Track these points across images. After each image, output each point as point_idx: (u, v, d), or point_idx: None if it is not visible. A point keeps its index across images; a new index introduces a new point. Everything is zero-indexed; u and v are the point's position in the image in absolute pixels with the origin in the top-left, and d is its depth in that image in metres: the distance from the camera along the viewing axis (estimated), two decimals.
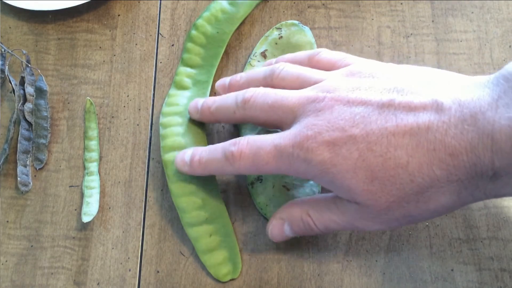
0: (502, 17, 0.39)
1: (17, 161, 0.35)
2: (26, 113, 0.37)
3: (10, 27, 0.40)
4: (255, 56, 0.37)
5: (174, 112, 0.35)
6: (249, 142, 0.28)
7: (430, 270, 0.32)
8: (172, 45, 0.39)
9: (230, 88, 0.33)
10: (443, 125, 0.24)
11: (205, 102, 0.32)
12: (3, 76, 0.38)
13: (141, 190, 0.35)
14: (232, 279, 0.32)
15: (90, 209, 0.34)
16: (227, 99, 0.31)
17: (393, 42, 0.38)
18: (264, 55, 0.37)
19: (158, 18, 0.40)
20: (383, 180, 0.25)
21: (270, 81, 0.30)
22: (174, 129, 0.34)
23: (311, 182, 0.34)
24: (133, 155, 0.36)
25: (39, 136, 0.36)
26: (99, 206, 0.34)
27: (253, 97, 0.29)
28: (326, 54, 0.31)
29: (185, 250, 0.33)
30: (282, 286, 0.32)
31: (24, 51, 0.38)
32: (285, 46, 0.37)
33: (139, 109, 0.37)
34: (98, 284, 0.33)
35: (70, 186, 0.35)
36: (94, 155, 0.36)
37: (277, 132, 0.28)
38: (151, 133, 0.37)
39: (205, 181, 0.33)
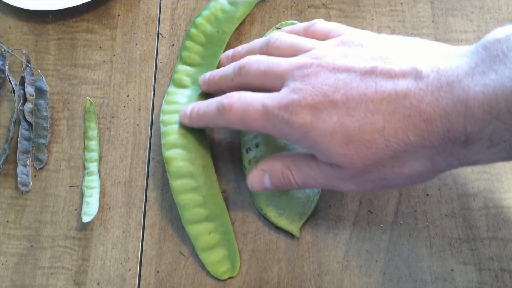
0: (502, 17, 0.39)
1: (17, 161, 0.35)
2: (26, 113, 0.37)
3: (10, 27, 0.40)
4: None
5: (174, 110, 0.35)
6: (241, 98, 0.29)
7: (430, 270, 0.32)
8: (172, 45, 0.39)
9: (233, 59, 0.35)
10: (420, 92, 0.24)
11: (211, 73, 0.34)
12: (3, 76, 0.38)
13: (141, 190, 0.35)
14: (230, 277, 0.32)
15: (90, 209, 0.34)
16: (228, 68, 0.32)
17: None
18: None
19: (158, 18, 0.40)
20: (359, 145, 0.25)
21: (266, 50, 0.32)
22: (175, 126, 0.34)
23: None
24: (133, 155, 0.36)
25: (39, 136, 0.36)
26: (99, 206, 0.34)
27: (248, 63, 0.30)
28: (320, 25, 0.32)
29: (185, 250, 0.33)
30: (282, 286, 0.32)
31: (24, 51, 0.38)
32: None
33: (139, 109, 0.37)
34: (98, 284, 0.33)
35: (70, 186, 0.35)
36: (94, 155, 0.36)
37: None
38: (151, 133, 0.37)
39: (206, 179, 0.33)
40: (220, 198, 0.33)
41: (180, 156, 0.33)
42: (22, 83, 0.37)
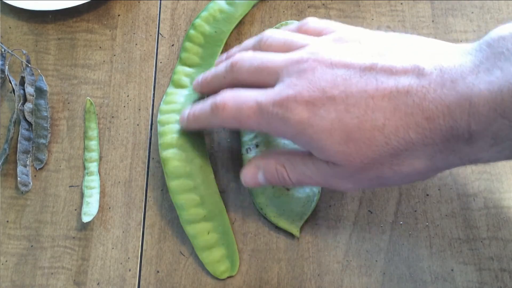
0: (502, 17, 0.39)
1: (17, 161, 0.35)
2: (26, 113, 0.37)
3: (10, 27, 0.40)
4: None
5: (172, 110, 0.35)
6: (234, 95, 0.29)
7: (430, 270, 0.32)
8: (172, 45, 0.39)
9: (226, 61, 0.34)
10: (422, 89, 0.24)
11: (203, 74, 0.34)
12: (3, 76, 0.38)
13: (141, 190, 0.35)
14: (230, 277, 0.32)
15: (90, 209, 0.34)
16: (220, 67, 0.32)
17: None
18: None
19: (158, 18, 0.40)
20: (359, 142, 0.25)
21: (258, 48, 0.31)
22: (172, 126, 0.34)
23: None
24: (133, 155, 0.36)
25: (39, 136, 0.36)
26: (99, 206, 0.34)
27: (240, 60, 0.30)
28: (313, 23, 0.31)
29: (185, 250, 0.33)
30: (282, 286, 0.32)
31: (24, 51, 0.38)
32: None
33: (139, 109, 0.37)
34: (98, 284, 0.33)
35: (70, 186, 0.35)
36: (94, 155, 0.36)
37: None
38: (151, 133, 0.37)
39: (204, 179, 0.33)
40: (218, 197, 0.33)
41: (177, 156, 0.33)
42: (22, 83, 0.37)
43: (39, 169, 0.36)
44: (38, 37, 0.40)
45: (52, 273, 0.33)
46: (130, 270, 0.33)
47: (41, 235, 0.34)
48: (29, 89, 0.37)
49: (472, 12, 0.39)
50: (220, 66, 0.32)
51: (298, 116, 0.26)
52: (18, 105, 0.36)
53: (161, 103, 0.36)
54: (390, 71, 0.25)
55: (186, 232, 0.32)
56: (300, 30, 0.31)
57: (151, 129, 0.37)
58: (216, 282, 0.32)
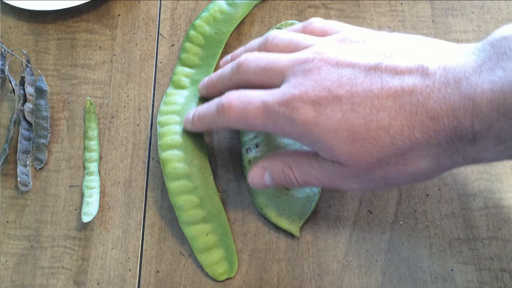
0: (502, 17, 0.39)
1: (17, 161, 0.35)
2: (26, 113, 0.37)
3: (10, 27, 0.40)
4: None
5: (171, 111, 0.35)
6: (240, 96, 0.29)
7: (430, 270, 0.32)
8: (172, 45, 0.39)
9: (231, 61, 0.34)
10: (427, 89, 0.24)
11: (209, 77, 0.34)
12: (3, 76, 0.38)
13: (141, 190, 0.35)
14: (228, 278, 0.32)
15: (90, 209, 0.34)
16: (226, 68, 0.32)
17: None
18: None
19: (158, 18, 0.40)
20: (364, 142, 0.25)
21: (264, 48, 0.31)
22: (172, 127, 0.34)
23: None
24: (133, 155, 0.36)
25: (39, 136, 0.36)
26: (99, 206, 0.34)
27: (246, 61, 0.30)
28: (318, 23, 0.32)
29: (185, 250, 0.33)
30: (282, 286, 0.32)
31: (24, 51, 0.38)
32: None
33: (139, 109, 0.37)
34: (98, 284, 0.33)
35: (70, 186, 0.35)
36: (94, 155, 0.36)
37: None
38: (151, 133, 0.37)
39: (203, 180, 0.33)
40: (217, 199, 0.33)
41: (176, 157, 0.33)
42: (22, 83, 0.37)
43: (39, 169, 0.36)
44: (38, 37, 0.40)
45: (52, 273, 0.33)
46: (130, 270, 0.33)
47: (41, 235, 0.34)
48: (29, 89, 0.37)
49: (472, 12, 0.39)
50: (225, 67, 0.32)
51: (304, 115, 0.26)
52: (18, 105, 0.36)
53: (161, 104, 0.36)
54: (395, 71, 0.25)
55: (185, 234, 0.32)
56: (305, 31, 0.32)
57: (151, 129, 0.37)
58: (216, 282, 0.32)
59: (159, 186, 0.35)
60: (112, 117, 0.37)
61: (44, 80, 0.38)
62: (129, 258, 0.33)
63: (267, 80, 0.29)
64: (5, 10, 0.41)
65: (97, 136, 0.37)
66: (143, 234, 0.34)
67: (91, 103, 0.37)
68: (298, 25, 0.33)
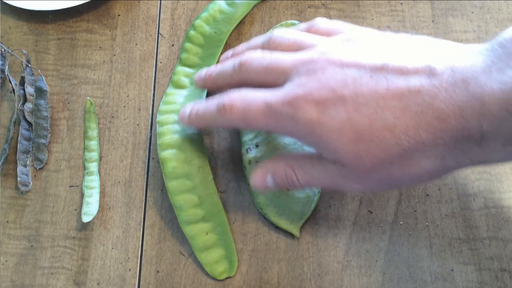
0: (502, 17, 0.39)
1: (17, 161, 0.35)
2: (26, 113, 0.37)
3: (10, 27, 0.40)
4: None
5: (171, 110, 0.35)
6: (241, 95, 0.28)
7: (430, 270, 0.32)
8: (172, 45, 0.39)
9: (232, 58, 0.33)
10: (434, 89, 0.24)
11: (207, 70, 0.33)
12: (3, 76, 0.38)
13: (141, 190, 0.35)
14: (229, 277, 0.32)
15: (90, 209, 0.34)
16: (226, 64, 0.31)
17: None
18: None
19: (158, 18, 0.40)
20: (369, 142, 0.25)
21: (267, 47, 0.31)
22: (171, 127, 0.34)
23: None
24: (133, 155, 0.36)
25: (39, 136, 0.36)
26: (99, 206, 0.34)
27: (249, 59, 0.29)
28: (322, 23, 0.31)
29: (185, 250, 0.33)
30: (282, 286, 0.32)
31: (24, 51, 0.38)
32: None
33: (139, 109, 0.37)
34: (98, 284, 0.33)
35: (70, 186, 0.35)
36: (94, 155, 0.36)
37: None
38: (151, 133, 0.37)
39: (202, 179, 0.33)
40: (216, 198, 0.33)
41: (175, 156, 0.33)
42: (22, 83, 0.37)
43: (39, 169, 0.36)
44: (38, 37, 0.40)
45: (52, 273, 0.33)
46: (130, 270, 0.33)
47: (41, 235, 0.34)
48: (29, 89, 0.37)
49: (472, 12, 0.39)
50: (226, 63, 0.31)
51: (308, 115, 0.26)
52: (18, 105, 0.36)
53: (161, 103, 0.36)
54: (401, 71, 0.25)
55: (185, 233, 0.32)
56: (309, 31, 0.31)
57: (151, 129, 0.37)
58: (216, 282, 0.32)
59: (159, 186, 0.35)
60: (112, 117, 0.37)
61: (44, 80, 0.38)
62: (129, 258, 0.33)
63: (269, 79, 0.29)
64: (5, 10, 0.41)
65: (97, 136, 0.37)
66: (143, 234, 0.34)
67: (91, 103, 0.37)
68: (302, 25, 0.32)
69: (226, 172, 0.35)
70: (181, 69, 0.38)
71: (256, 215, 0.34)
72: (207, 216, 0.33)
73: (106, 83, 0.38)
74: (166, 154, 0.33)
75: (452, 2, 0.40)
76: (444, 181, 0.34)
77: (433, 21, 0.39)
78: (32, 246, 0.34)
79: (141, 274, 0.33)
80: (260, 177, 0.31)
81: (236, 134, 0.36)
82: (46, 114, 0.37)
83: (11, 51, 0.38)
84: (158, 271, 0.33)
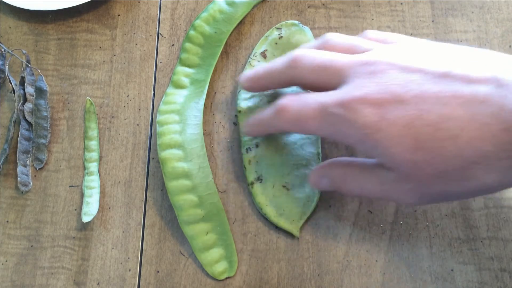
0: (502, 17, 0.39)
1: (17, 161, 0.35)
2: (26, 113, 0.37)
3: (10, 27, 0.40)
4: (255, 56, 0.37)
5: (171, 110, 0.35)
6: (296, 97, 0.28)
7: (430, 270, 0.32)
8: (172, 45, 0.39)
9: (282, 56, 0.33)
10: (501, 99, 0.22)
11: (255, 69, 0.32)
12: (3, 76, 0.38)
13: (141, 190, 0.35)
14: (228, 277, 0.32)
15: (90, 209, 0.34)
16: (276, 61, 0.30)
17: None
18: (264, 55, 0.37)
19: (158, 18, 0.40)
20: (429, 151, 0.23)
21: (322, 48, 0.30)
22: (171, 126, 0.34)
23: None
24: (133, 155, 0.36)
25: (39, 136, 0.36)
26: (99, 206, 0.34)
27: (302, 55, 0.28)
28: (373, 34, 0.30)
29: (185, 250, 0.33)
30: (282, 286, 0.32)
31: (24, 51, 0.38)
32: (285, 46, 0.37)
33: (139, 109, 0.37)
34: (98, 284, 0.33)
35: (70, 186, 0.35)
36: (94, 155, 0.36)
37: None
38: (151, 133, 0.37)
39: (202, 179, 0.33)
40: (216, 198, 0.33)
41: (175, 156, 0.33)
42: (22, 83, 0.37)
43: (39, 169, 0.36)
44: (38, 37, 0.40)
45: (52, 273, 0.33)
46: (130, 270, 0.33)
47: (41, 235, 0.34)
48: (29, 89, 0.37)
49: (472, 12, 0.39)
50: (276, 61, 0.30)
51: (366, 119, 0.24)
52: (18, 105, 0.36)
53: (161, 103, 0.36)
54: (467, 79, 0.23)
55: (185, 233, 0.32)
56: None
57: (151, 129, 0.37)
58: (216, 282, 0.32)
59: (159, 186, 0.35)
60: (112, 117, 0.37)
61: (44, 80, 0.38)
62: (129, 258, 0.33)
63: (323, 78, 0.27)
64: (5, 10, 0.41)
65: (97, 136, 0.37)
66: (143, 234, 0.34)
67: (91, 103, 0.37)
68: (355, 37, 0.31)
69: (226, 172, 0.35)
70: (181, 69, 0.38)
71: (256, 215, 0.34)
72: (207, 216, 0.33)
73: (106, 83, 0.38)
74: (166, 154, 0.33)
75: (452, 2, 0.40)
76: None
77: (433, 21, 0.39)
78: (32, 246, 0.34)
79: (141, 274, 0.33)
80: (317, 180, 0.30)
81: (236, 134, 0.36)
82: (46, 114, 0.37)
83: (11, 51, 0.38)
84: (158, 271, 0.33)
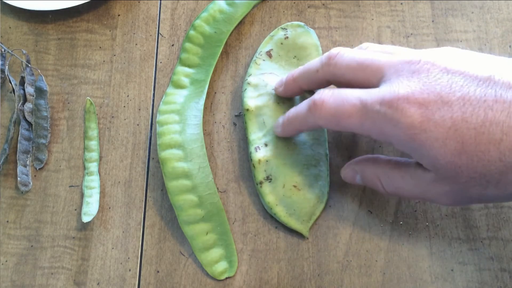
0: (502, 17, 0.39)
1: (17, 161, 0.35)
2: (26, 113, 0.37)
3: (10, 27, 0.40)
4: (261, 55, 0.37)
5: (171, 110, 0.35)
6: (334, 93, 0.27)
7: (430, 270, 0.32)
8: (172, 45, 0.39)
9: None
10: None
11: (289, 73, 0.32)
12: (3, 76, 0.38)
13: (141, 190, 0.35)
14: (228, 277, 0.32)
15: (90, 209, 0.34)
16: (312, 61, 0.30)
17: (393, 42, 0.38)
18: (269, 54, 0.37)
19: (158, 18, 0.40)
20: (472, 155, 0.23)
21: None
22: (171, 126, 0.34)
23: (321, 182, 0.33)
24: (133, 155, 0.36)
25: (39, 136, 0.36)
26: (99, 206, 0.34)
27: (339, 54, 0.28)
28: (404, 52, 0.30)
29: (185, 250, 0.33)
30: (282, 286, 0.32)
31: (24, 51, 0.38)
32: (291, 47, 0.37)
33: (139, 109, 0.37)
34: (98, 284, 0.33)
35: (70, 186, 0.35)
36: (94, 155, 0.36)
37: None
38: (151, 133, 0.37)
39: (202, 179, 0.33)
40: (216, 198, 0.33)
41: (175, 156, 0.33)
42: (22, 83, 0.37)
43: (39, 169, 0.36)
44: (38, 37, 0.40)
45: (52, 273, 0.33)
46: (130, 270, 0.33)
47: (41, 235, 0.34)
48: (29, 89, 0.37)
49: (472, 12, 0.39)
50: (313, 60, 0.30)
51: (411, 119, 0.24)
52: (18, 105, 0.36)
53: (161, 103, 0.36)
54: (508, 85, 0.23)
55: (185, 233, 0.32)
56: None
57: (151, 129, 0.37)
58: (216, 282, 0.32)
59: (159, 186, 0.35)
60: (112, 117, 0.37)
61: (44, 80, 0.38)
62: (129, 258, 0.33)
63: (361, 76, 0.27)
64: (5, 10, 0.41)
65: (97, 136, 0.37)
66: (143, 234, 0.34)
67: (91, 103, 0.37)
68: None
69: (226, 172, 0.35)
70: (181, 69, 0.38)
71: (256, 215, 0.34)
72: (207, 216, 0.33)
73: (106, 83, 0.38)
74: (166, 154, 0.33)
75: (452, 2, 0.40)
76: None
77: (433, 21, 0.39)
78: (32, 246, 0.34)
79: (141, 274, 0.33)
80: (350, 176, 0.31)
81: (237, 134, 0.36)
82: (46, 114, 0.37)
83: (11, 51, 0.38)
84: (158, 271, 0.33)
